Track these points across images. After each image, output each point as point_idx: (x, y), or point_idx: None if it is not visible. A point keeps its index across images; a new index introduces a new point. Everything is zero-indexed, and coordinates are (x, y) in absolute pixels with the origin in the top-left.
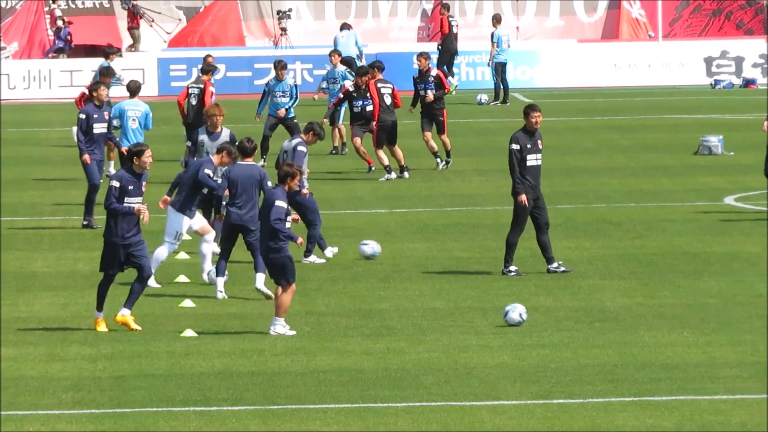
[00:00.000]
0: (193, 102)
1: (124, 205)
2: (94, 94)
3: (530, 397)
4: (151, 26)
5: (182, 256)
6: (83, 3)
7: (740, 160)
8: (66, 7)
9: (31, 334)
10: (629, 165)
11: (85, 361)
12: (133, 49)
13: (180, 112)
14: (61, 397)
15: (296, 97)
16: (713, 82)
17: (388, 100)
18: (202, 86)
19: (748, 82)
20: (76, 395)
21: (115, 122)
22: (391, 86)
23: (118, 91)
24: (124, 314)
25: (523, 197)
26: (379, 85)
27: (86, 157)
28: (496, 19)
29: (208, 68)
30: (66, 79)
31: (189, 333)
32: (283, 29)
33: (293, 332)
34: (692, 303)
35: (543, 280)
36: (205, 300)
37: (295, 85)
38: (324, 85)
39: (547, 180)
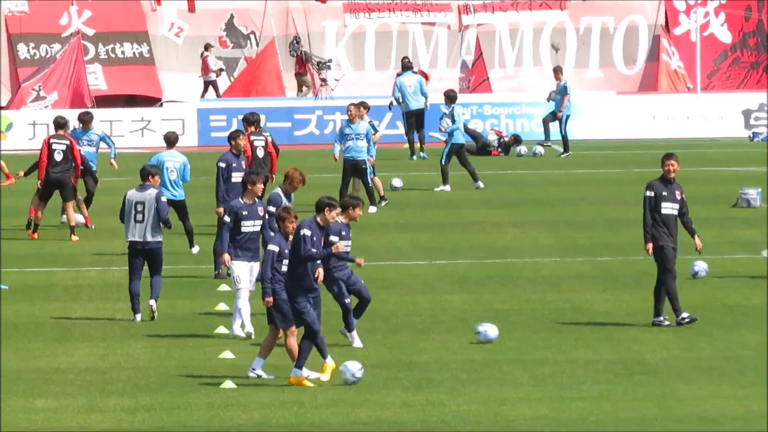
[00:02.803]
0: (260, 154)
1: (322, 250)
2: (233, 142)
3: None
4: (318, 73)
5: (222, 307)
6: (123, 53)
7: None
8: (105, 57)
9: (70, 384)
10: None
11: (125, 412)
12: (300, 95)
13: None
14: None
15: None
16: (751, 135)
17: (260, 153)
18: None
19: None
20: None
21: None
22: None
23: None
24: (297, 375)
25: (649, 246)
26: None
27: (220, 210)
28: (560, 71)
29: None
30: (106, 129)
31: (228, 384)
32: (323, 80)
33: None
34: (730, 355)
35: (582, 332)
36: (245, 351)
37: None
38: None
39: (586, 232)
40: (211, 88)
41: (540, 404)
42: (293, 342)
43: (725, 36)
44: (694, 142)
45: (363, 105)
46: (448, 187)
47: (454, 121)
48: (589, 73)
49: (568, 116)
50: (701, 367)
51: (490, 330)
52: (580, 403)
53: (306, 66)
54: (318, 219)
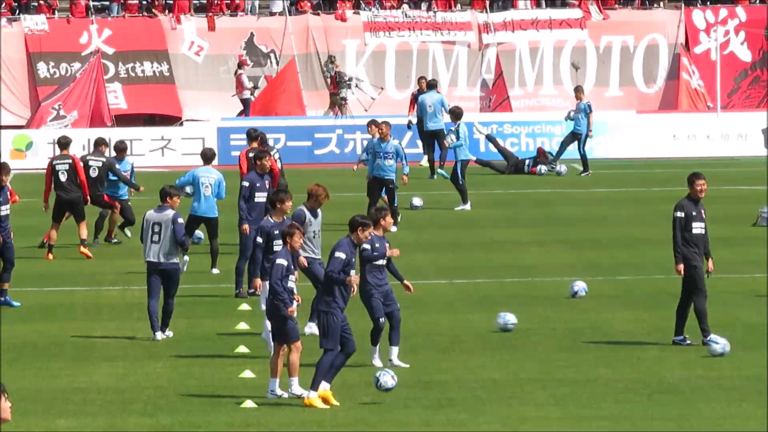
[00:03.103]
0: None
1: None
2: (258, 162)
3: None
4: (338, 92)
5: (242, 326)
6: (143, 72)
7: None
8: (125, 75)
9: (90, 404)
10: None
11: None
12: (331, 114)
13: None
14: None
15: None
16: None
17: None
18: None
19: None
20: None
21: (188, 189)
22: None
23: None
24: (324, 389)
25: (680, 267)
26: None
27: (245, 227)
28: (581, 90)
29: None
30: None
31: (249, 404)
32: (344, 99)
33: (306, 392)
34: (751, 375)
35: (602, 351)
36: (265, 371)
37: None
38: (364, 156)
39: (606, 251)
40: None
41: (560, 423)
42: (296, 357)
43: (745, 55)
44: (714, 161)
45: (388, 124)
46: (468, 206)
47: (458, 137)
48: (610, 91)
49: (587, 135)
50: (722, 386)
51: (510, 318)
52: (600, 423)
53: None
54: (352, 238)
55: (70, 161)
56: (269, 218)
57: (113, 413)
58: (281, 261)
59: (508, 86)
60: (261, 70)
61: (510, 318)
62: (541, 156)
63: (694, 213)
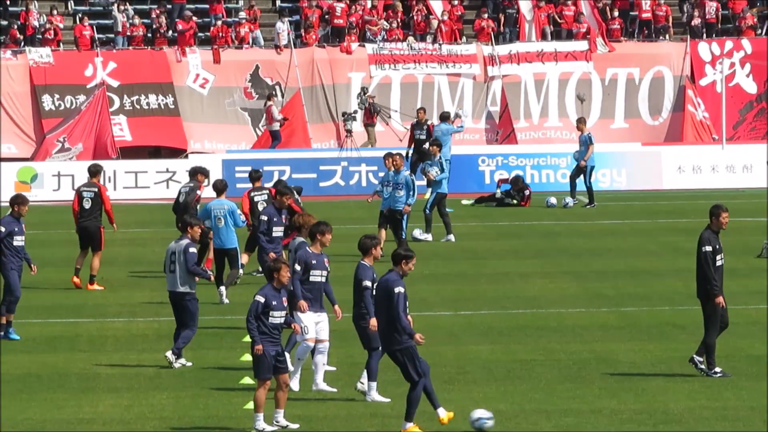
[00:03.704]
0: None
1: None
2: (278, 197)
3: None
4: (387, 125)
5: (247, 357)
6: (148, 104)
7: None
8: (130, 108)
9: None
10: (693, 268)
11: None
12: (368, 146)
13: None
14: None
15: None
16: None
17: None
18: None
19: None
20: None
21: (207, 223)
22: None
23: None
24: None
25: (721, 299)
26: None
27: (272, 255)
28: (583, 122)
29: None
30: (131, 180)
31: None
32: (348, 131)
33: (273, 428)
34: (755, 405)
35: (607, 382)
36: (269, 400)
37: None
38: (380, 188)
39: (610, 282)
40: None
41: None
42: (263, 394)
43: (751, 87)
44: (720, 193)
45: (401, 156)
46: (429, 236)
47: (442, 170)
48: (615, 123)
49: (593, 167)
50: (726, 417)
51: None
52: None
53: (374, 117)
54: (397, 270)
55: (96, 189)
56: (307, 249)
57: None
58: (260, 298)
59: (514, 118)
60: (266, 103)
61: (481, 414)
62: (516, 185)
63: (717, 246)
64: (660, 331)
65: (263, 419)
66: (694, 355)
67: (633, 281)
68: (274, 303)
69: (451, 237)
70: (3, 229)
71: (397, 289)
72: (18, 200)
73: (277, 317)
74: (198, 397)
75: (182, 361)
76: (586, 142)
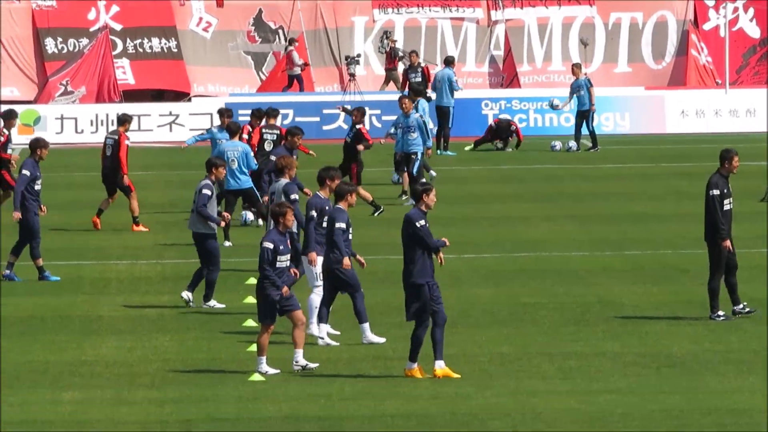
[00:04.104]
0: (267, 147)
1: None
2: (289, 138)
3: None
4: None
5: (250, 300)
6: (151, 48)
7: None
8: (133, 51)
9: (97, 377)
10: (696, 211)
11: (153, 405)
12: (386, 89)
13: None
14: None
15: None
16: None
17: (268, 147)
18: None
19: None
20: None
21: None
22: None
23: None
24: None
25: (728, 243)
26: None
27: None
28: (578, 67)
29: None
30: (134, 123)
31: (257, 377)
32: (352, 75)
33: (277, 370)
34: (759, 348)
35: (611, 325)
36: (273, 344)
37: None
38: (392, 131)
39: (614, 226)
40: (295, 81)
41: (568, 397)
42: (266, 338)
43: (754, 31)
44: (723, 137)
45: (411, 98)
46: (433, 172)
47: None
48: (618, 68)
49: (591, 112)
50: (730, 360)
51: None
52: (607, 396)
53: (395, 62)
54: (419, 206)
55: (117, 137)
56: (319, 194)
57: (121, 386)
58: (268, 244)
59: (517, 62)
60: (269, 47)
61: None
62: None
63: (725, 190)
64: (664, 274)
65: (266, 362)
66: (734, 307)
67: (636, 225)
68: (281, 248)
69: (432, 172)
70: (28, 173)
71: (418, 223)
72: (40, 144)
73: (284, 261)
74: (201, 339)
75: (213, 302)
76: (585, 87)
